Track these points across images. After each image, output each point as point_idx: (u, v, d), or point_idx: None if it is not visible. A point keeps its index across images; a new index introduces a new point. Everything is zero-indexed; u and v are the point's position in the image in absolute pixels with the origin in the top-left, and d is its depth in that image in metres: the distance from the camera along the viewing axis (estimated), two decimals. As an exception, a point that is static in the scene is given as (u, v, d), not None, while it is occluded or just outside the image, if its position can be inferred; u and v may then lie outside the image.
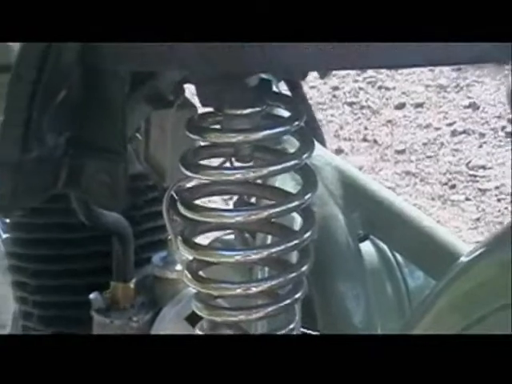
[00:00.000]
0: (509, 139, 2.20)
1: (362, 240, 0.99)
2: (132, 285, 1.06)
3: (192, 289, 0.89)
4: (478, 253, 0.79)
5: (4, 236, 1.13)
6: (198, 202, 0.87)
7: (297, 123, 0.87)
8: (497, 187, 2.06)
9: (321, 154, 1.00)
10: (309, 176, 0.88)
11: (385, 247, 0.99)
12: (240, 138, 0.86)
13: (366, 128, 2.22)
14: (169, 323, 1.03)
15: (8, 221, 1.12)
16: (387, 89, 2.31)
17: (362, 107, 2.25)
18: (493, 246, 0.79)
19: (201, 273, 0.88)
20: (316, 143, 0.98)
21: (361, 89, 2.30)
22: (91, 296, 1.06)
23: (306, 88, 0.97)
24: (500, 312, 0.75)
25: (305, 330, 0.91)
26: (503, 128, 2.17)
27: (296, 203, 0.87)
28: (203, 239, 0.90)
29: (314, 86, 2.27)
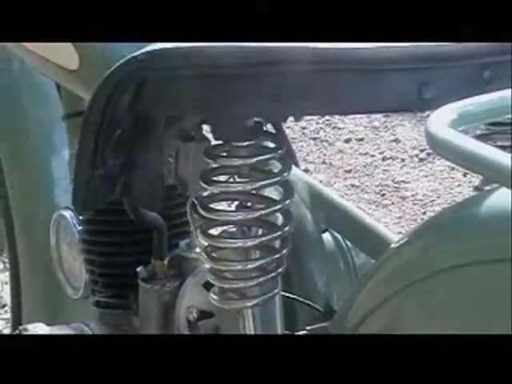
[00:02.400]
0: (421, 163, 2.21)
1: (323, 232, 0.98)
2: (166, 262, 1.04)
3: (207, 265, 0.89)
4: (401, 242, 0.79)
5: (79, 228, 1.11)
6: (211, 205, 0.87)
7: (280, 152, 0.86)
8: (412, 195, 2.09)
9: (295, 173, 0.99)
10: (288, 188, 0.87)
11: (339, 237, 0.98)
12: (240, 162, 0.85)
13: (324, 155, 2.22)
14: (191, 289, 1.01)
15: (81, 217, 1.11)
16: (339, 128, 2.31)
17: (322, 141, 2.26)
18: (412, 237, 0.78)
19: (213, 254, 0.88)
20: (292, 165, 0.98)
21: (321, 128, 2.31)
22: (138, 269, 1.04)
23: (285, 128, 0.96)
24: (419, 283, 0.74)
25: (284, 293, 0.89)
26: (417, 155, 2.20)
27: (279, 206, 0.86)
28: (215, 231, 0.89)
29: (288, 127, 2.25)
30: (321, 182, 2.10)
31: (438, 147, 0.62)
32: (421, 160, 2.19)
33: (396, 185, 2.15)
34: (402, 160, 2.23)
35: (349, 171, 2.20)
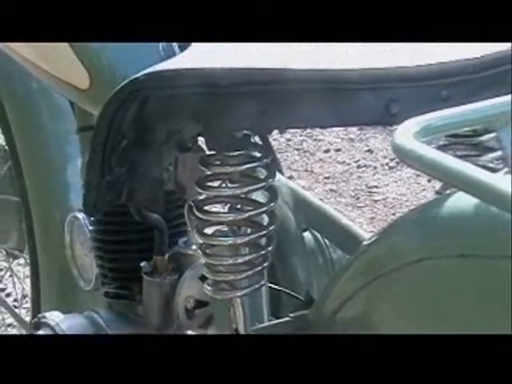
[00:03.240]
0: (391, 171, 2.21)
1: (304, 231, 0.97)
2: (166, 258, 1.03)
3: (202, 260, 0.89)
4: (372, 239, 0.78)
5: (90, 228, 1.11)
6: (205, 208, 0.87)
7: (265, 160, 0.86)
8: (383, 199, 2.08)
9: (280, 179, 0.99)
10: (272, 192, 0.87)
11: (318, 235, 0.98)
12: (231, 169, 0.85)
13: (306, 164, 2.21)
14: (188, 281, 1.01)
15: (92, 219, 1.11)
16: (319, 140, 2.31)
17: (304, 151, 2.25)
18: (381, 235, 0.78)
19: (207, 251, 0.87)
20: (277, 172, 0.97)
21: (304, 140, 2.30)
22: (142, 264, 1.03)
23: (271, 140, 0.96)
24: (387, 275, 0.74)
25: (269, 285, 0.89)
26: (387, 164, 2.20)
27: (265, 209, 0.86)
28: (209, 230, 0.88)
29: (275, 139, 2.25)
30: (303, 187, 2.10)
31: (404, 156, 0.62)
32: (391, 168, 2.19)
33: (369, 189, 2.15)
34: (375, 168, 2.23)
35: (328, 178, 2.20)
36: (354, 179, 2.17)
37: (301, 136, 2.35)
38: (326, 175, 2.20)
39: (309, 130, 2.29)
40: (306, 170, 2.21)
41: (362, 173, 2.21)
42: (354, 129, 2.34)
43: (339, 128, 2.31)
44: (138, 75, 0.79)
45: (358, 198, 2.10)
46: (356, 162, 2.25)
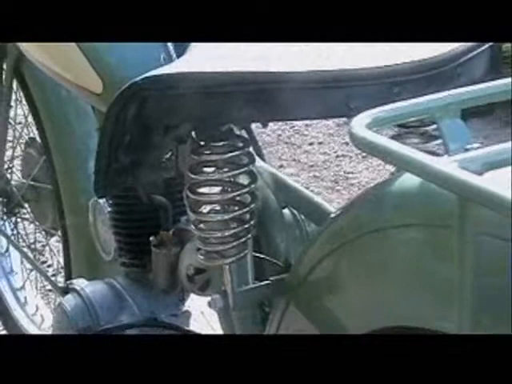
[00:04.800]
0: (364, 159, 2.20)
1: (283, 208, 0.96)
2: (170, 233, 1.02)
3: (196, 233, 0.87)
4: (338, 212, 0.77)
5: (109, 210, 1.10)
6: (198, 190, 0.85)
7: (246, 149, 0.84)
8: (358, 182, 2.07)
9: (262, 166, 0.97)
10: (253, 176, 0.86)
11: (295, 211, 0.97)
12: (218, 157, 0.83)
13: (294, 154, 2.21)
14: (189, 252, 0.99)
15: (110, 202, 1.09)
16: (305, 135, 2.30)
17: (292, 144, 2.24)
18: (345, 209, 0.77)
19: (200, 226, 0.86)
20: (260, 160, 0.96)
21: (292, 135, 2.30)
22: (151, 238, 1.02)
23: (264, 134, 0.94)
24: (351, 242, 0.72)
25: (253, 253, 0.87)
26: (361, 153, 2.19)
27: (247, 190, 0.84)
28: (201, 209, 0.87)
29: (268, 134, 2.24)
30: (291, 174, 2.10)
31: (358, 144, 0.61)
32: (364, 157, 2.17)
33: (346, 175, 2.14)
34: (350, 157, 2.21)
35: (312, 166, 2.18)
36: (334, 167, 2.16)
37: (289, 132, 2.33)
38: (311, 164, 2.19)
39: (296, 127, 2.29)
40: (294, 160, 2.20)
41: (339, 162, 2.20)
42: (333, 125, 2.32)
43: (321, 124, 2.32)
44: (137, 79, 0.78)
45: (336, 182, 2.09)
46: (335, 152, 2.24)
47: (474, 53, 0.78)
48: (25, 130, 1.43)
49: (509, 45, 1.91)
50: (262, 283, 0.86)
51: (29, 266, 1.51)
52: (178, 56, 0.90)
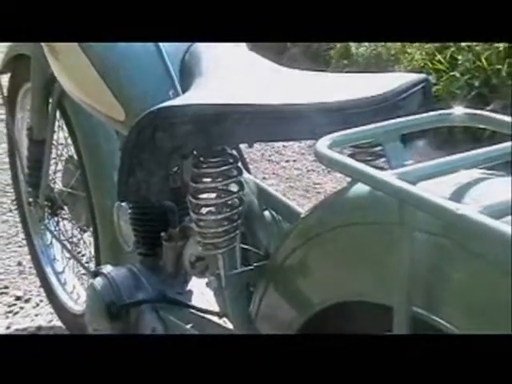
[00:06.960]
0: (329, 173, 2.19)
1: (264, 210, 0.96)
2: (177, 230, 1.01)
3: (196, 230, 0.86)
4: (307, 213, 0.77)
5: (129, 211, 1.09)
6: (197, 196, 0.85)
7: (235, 164, 0.84)
8: (324, 191, 2.06)
9: (249, 177, 0.97)
10: (241, 185, 0.85)
11: (273, 212, 0.96)
12: (213, 170, 0.83)
13: (274, 169, 2.19)
14: (191, 244, 0.98)
15: (130, 206, 1.09)
16: (282, 154, 2.30)
17: (273, 161, 2.23)
18: (312, 210, 0.76)
19: (199, 223, 0.85)
20: (247, 173, 0.95)
21: (272, 154, 2.28)
22: (162, 234, 1.01)
23: (251, 153, 0.93)
24: (318, 236, 0.72)
25: (241, 245, 0.86)
26: (327, 169, 2.17)
27: (235, 196, 0.84)
28: (200, 210, 0.86)
29: (254, 153, 2.23)
30: (272, 184, 2.10)
31: (321, 160, 0.61)
32: (328, 172, 2.18)
33: (314, 186, 2.13)
34: (318, 172, 2.21)
35: (288, 178, 2.18)
36: (305, 179, 2.16)
37: (270, 151, 2.33)
38: (287, 176, 2.19)
39: (276, 148, 2.29)
40: (274, 173, 2.19)
41: (310, 175, 2.19)
42: (304, 146, 2.33)
43: (295, 146, 2.32)
44: (151, 110, 0.78)
45: (307, 191, 2.08)
46: (306, 168, 2.23)
47: (412, 90, 0.79)
48: (65, 150, 1.43)
49: (439, 86, 1.89)
50: (248, 268, 0.85)
51: (68, 255, 1.52)
52: (183, 91, 0.90)
